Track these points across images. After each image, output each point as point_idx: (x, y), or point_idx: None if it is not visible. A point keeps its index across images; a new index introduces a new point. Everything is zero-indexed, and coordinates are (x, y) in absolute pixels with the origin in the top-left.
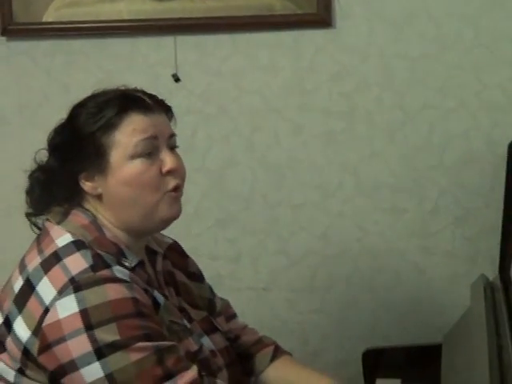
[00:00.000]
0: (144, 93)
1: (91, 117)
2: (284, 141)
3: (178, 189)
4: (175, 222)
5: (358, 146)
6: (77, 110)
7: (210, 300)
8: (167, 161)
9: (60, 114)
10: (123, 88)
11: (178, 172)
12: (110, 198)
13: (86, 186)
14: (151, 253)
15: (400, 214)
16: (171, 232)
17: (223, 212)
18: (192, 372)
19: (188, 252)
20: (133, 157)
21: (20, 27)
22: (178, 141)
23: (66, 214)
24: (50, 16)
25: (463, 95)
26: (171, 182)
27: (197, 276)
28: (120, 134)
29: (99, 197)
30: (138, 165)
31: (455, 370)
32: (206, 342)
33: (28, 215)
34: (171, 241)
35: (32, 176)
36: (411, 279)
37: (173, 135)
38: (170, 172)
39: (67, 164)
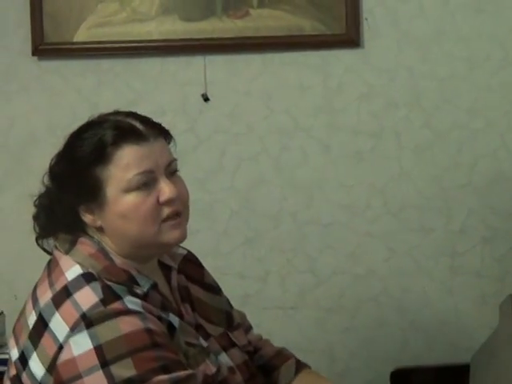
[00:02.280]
0: (139, 118)
1: (85, 150)
2: (312, 160)
3: (177, 215)
4: (204, 240)
5: (386, 166)
6: (72, 141)
7: (227, 312)
8: (165, 191)
9: None
10: (118, 113)
11: (177, 200)
12: (109, 231)
13: (87, 218)
14: (165, 268)
15: (428, 233)
16: (200, 250)
17: (252, 231)
18: None
19: (216, 271)
20: (128, 190)
21: (51, 47)
22: (207, 160)
23: (73, 243)
24: (80, 36)
25: (491, 115)
26: (167, 210)
27: (213, 287)
28: (114, 168)
29: (99, 229)
30: (133, 198)
31: None
32: (225, 359)
33: (38, 240)
34: (185, 252)
35: (38, 200)
36: (439, 299)
37: (171, 162)
38: (167, 202)
39: (66, 195)
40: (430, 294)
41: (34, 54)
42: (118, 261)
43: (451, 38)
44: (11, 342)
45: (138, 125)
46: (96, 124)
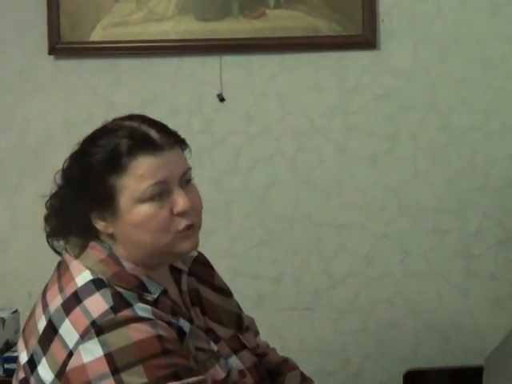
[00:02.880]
0: (155, 126)
1: (100, 158)
2: (328, 161)
3: (190, 228)
4: (219, 240)
5: (401, 168)
6: (87, 147)
7: (237, 315)
8: (179, 202)
9: None
10: (134, 119)
11: (190, 212)
12: (121, 238)
13: (99, 224)
14: (175, 271)
15: (443, 236)
16: (215, 251)
17: (266, 232)
18: None
19: (231, 271)
20: (141, 201)
21: (67, 46)
22: (222, 160)
23: (84, 247)
24: (96, 35)
25: (507, 118)
26: (182, 223)
27: (223, 290)
28: (128, 178)
29: (111, 236)
30: (146, 209)
31: None
32: (235, 362)
33: (48, 238)
34: (196, 253)
35: (49, 202)
36: (454, 301)
37: (186, 171)
38: (181, 214)
39: (79, 200)
40: (444, 297)
41: (50, 53)
42: (129, 267)
43: (468, 39)
44: (20, 345)
45: (153, 133)
46: (111, 131)
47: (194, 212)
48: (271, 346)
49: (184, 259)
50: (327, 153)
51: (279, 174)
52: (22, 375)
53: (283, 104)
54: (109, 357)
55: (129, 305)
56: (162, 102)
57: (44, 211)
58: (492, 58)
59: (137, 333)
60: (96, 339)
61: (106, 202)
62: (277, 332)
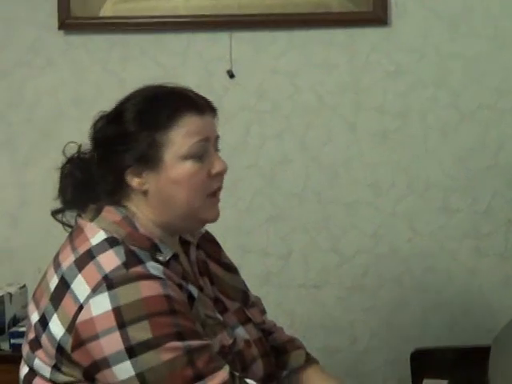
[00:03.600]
0: (194, 93)
1: (144, 113)
2: (337, 139)
3: (218, 192)
4: (227, 217)
5: (411, 145)
6: (127, 105)
7: (243, 292)
8: (216, 164)
9: None
10: (172, 85)
11: (222, 176)
12: (155, 195)
13: (134, 181)
14: (184, 243)
15: (452, 214)
16: (223, 228)
17: (275, 209)
18: (223, 373)
19: (239, 248)
20: (185, 157)
21: (77, 21)
22: (231, 137)
23: (98, 211)
24: (107, 11)
25: None
26: (215, 184)
27: (230, 267)
28: (175, 133)
29: (144, 193)
30: (189, 166)
31: (503, 372)
32: (241, 332)
33: (55, 213)
34: (203, 231)
35: (65, 170)
36: (462, 280)
37: (218, 137)
38: (217, 174)
39: (114, 158)
40: (452, 275)
41: (60, 28)
42: (142, 229)
43: (479, 16)
44: (31, 308)
45: (195, 97)
46: (153, 90)
47: (222, 178)
48: (279, 324)
49: (193, 234)
50: (337, 130)
51: (288, 151)
52: (32, 336)
53: (293, 81)
54: (117, 311)
55: (141, 262)
56: (171, 77)
57: (54, 187)
58: (504, 34)
59: (146, 289)
60: (106, 293)
61: (149, 156)
62: (285, 309)
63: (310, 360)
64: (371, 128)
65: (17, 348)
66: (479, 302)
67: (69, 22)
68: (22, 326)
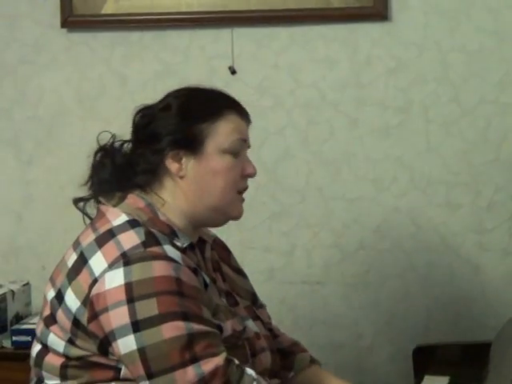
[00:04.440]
0: (235, 99)
1: (194, 103)
2: (339, 134)
3: (244, 192)
4: None
5: (413, 141)
6: (176, 95)
7: (252, 294)
8: (249, 166)
9: (118, 105)
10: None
11: (251, 178)
12: (192, 182)
13: (173, 166)
14: (200, 241)
15: (455, 209)
16: (226, 224)
17: (278, 205)
18: (218, 359)
19: (242, 244)
20: (225, 151)
21: (80, 19)
22: None
23: (122, 198)
24: (109, 8)
25: None
26: (245, 184)
27: (240, 271)
28: (222, 126)
29: (180, 178)
30: (229, 160)
31: (503, 368)
32: (251, 324)
33: (77, 201)
34: (214, 236)
35: (98, 160)
36: (465, 276)
37: (249, 146)
38: (248, 175)
39: (158, 140)
40: (455, 271)
41: (63, 26)
42: (164, 217)
43: (480, 10)
44: (47, 287)
45: (240, 103)
46: (204, 87)
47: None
48: (282, 320)
49: (208, 235)
50: (339, 125)
51: (290, 146)
52: (47, 312)
53: (295, 76)
54: (128, 286)
55: (159, 243)
56: (174, 74)
57: (58, 184)
58: (505, 28)
59: (159, 269)
60: (122, 268)
61: (192, 143)
62: (288, 305)
63: (314, 362)
64: (373, 123)
65: (19, 345)
66: (482, 298)
67: (71, 20)
68: (24, 324)
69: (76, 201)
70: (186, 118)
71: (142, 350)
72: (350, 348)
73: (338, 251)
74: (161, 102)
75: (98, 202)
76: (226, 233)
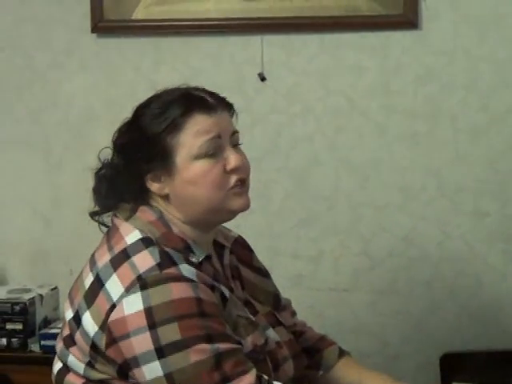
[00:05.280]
0: (206, 92)
1: (156, 118)
2: (368, 142)
3: (242, 183)
4: (258, 220)
5: (441, 149)
6: (141, 111)
7: (275, 295)
8: (231, 159)
9: None
10: (185, 87)
11: (242, 168)
12: (176, 198)
13: (153, 186)
14: (219, 247)
15: (483, 217)
16: (254, 230)
17: (306, 212)
18: (250, 376)
19: (270, 251)
20: (197, 157)
21: (110, 24)
22: (263, 139)
23: (133, 211)
24: (139, 14)
25: None
26: (234, 178)
27: (262, 271)
28: (184, 135)
29: (166, 196)
30: (202, 165)
31: None
32: (272, 333)
33: (93, 214)
34: (236, 235)
35: (98, 174)
36: (493, 284)
37: (235, 132)
38: (233, 170)
39: (133, 165)
40: (483, 279)
41: (93, 31)
42: (177, 230)
43: (509, 19)
44: (66, 305)
45: (205, 96)
46: (164, 95)
47: (245, 170)
48: (309, 325)
49: (226, 238)
50: (367, 133)
51: (319, 153)
52: (66, 332)
53: (323, 84)
54: (148, 311)
55: (175, 264)
56: (203, 80)
57: (86, 188)
58: None
59: (177, 291)
60: (139, 293)
61: (162, 161)
62: (315, 312)
63: (342, 354)
64: (401, 131)
65: (47, 350)
66: (509, 306)
67: (102, 25)
68: (52, 328)
69: (91, 214)
70: (150, 137)
71: (169, 376)
72: (377, 356)
73: (366, 259)
74: (130, 118)
75: (113, 214)
76: (253, 239)
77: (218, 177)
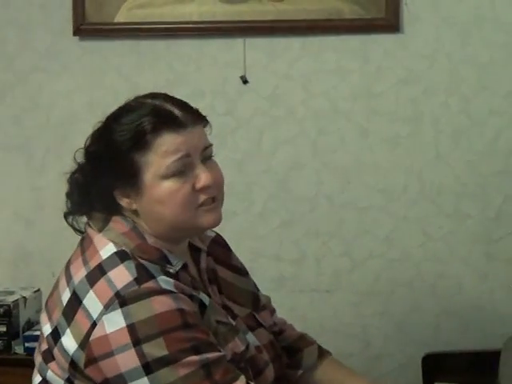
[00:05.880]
0: (179, 104)
1: (124, 136)
2: (350, 144)
3: (212, 201)
4: (240, 222)
5: (423, 151)
6: (111, 125)
7: (254, 294)
8: (201, 177)
9: None
10: (159, 98)
11: (213, 186)
12: (145, 214)
13: (122, 201)
14: (194, 250)
15: (464, 219)
16: (236, 232)
17: (288, 214)
18: (240, 383)
19: (252, 253)
20: (165, 177)
21: (92, 27)
22: (245, 142)
23: (106, 221)
24: (121, 17)
25: None
26: (203, 196)
27: (240, 269)
28: (152, 154)
29: (135, 211)
30: (170, 184)
31: None
32: (251, 338)
33: (67, 215)
34: (214, 234)
35: (72, 178)
36: (474, 285)
37: (208, 147)
38: (203, 189)
39: (103, 178)
40: (464, 280)
41: (75, 34)
42: (150, 240)
43: (491, 23)
44: (43, 318)
45: (176, 111)
46: (134, 109)
47: (216, 187)
48: (288, 323)
49: (203, 239)
50: (349, 135)
51: (301, 156)
52: (44, 347)
53: (306, 86)
54: (131, 328)
55: (152, 277)
56: (185, 83)
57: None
58: None
59: (159, 305)
60: (119, 310)
61: (130, 178)
62: (297, 314)
63: (323, 354)
64: (383, 133)
65: (31, 351)
66: (490, 307)
67: (84, 28)
68: (36, 330)
69: (65, 215)
70: (118, 153)
71: None
72: (359, 356)
73: (348, 260)
74: (98, 128)
75: (86, 223)
76: (236, 241)
77: (186, 196)
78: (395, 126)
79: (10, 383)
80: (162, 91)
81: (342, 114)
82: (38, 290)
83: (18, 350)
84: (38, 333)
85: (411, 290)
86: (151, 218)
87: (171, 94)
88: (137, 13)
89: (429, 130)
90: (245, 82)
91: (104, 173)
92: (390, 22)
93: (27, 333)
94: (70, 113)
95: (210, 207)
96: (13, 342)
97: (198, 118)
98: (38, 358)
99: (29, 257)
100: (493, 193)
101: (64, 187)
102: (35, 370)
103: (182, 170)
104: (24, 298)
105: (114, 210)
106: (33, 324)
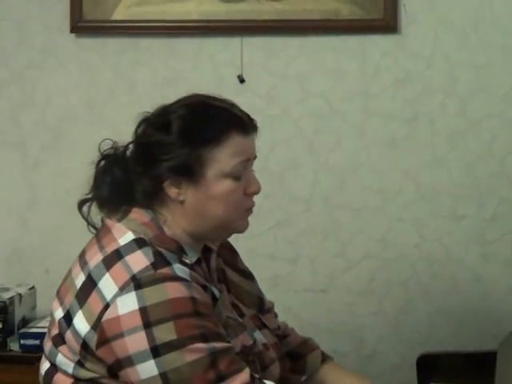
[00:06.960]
0: (241, 111)
1: (195, 127)
2: (346, 144)
3: (252, 208)
4: None
5: (419, 152)
6: (175, 117)
7: (259, 298)
8: (254, 183)
9: (126, 110)
10: (224, 103)
11: (257, 194)
12: (191, 208)
13: (172, 191)
14: (206, 250)
15: (459, 220)
16: None
17: (284, 213)
18: (244, 375)
19: (248, 252)
20: (227, 176)
21: (89, 25)
22: None
23: (126, 212)
24: (119, 14)
25: None
26: (250, 203)
27: (246, 273)
28: (221, 152)
29: (180, 203)
30: (229, 184)
31: (509, 378)
32: (259, 336)
33: (82, 203)
34: None
35: (104, 168)
36: (468, 286)
37: (255, 157)
38: (253, 194)
39: (156, 165)
40: (459, 281)
41: (72, 31)
42: (170, 232)
43: (488, 25)
44: (54, 304)
45: (244, 117)
46: (206, 105)
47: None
48: (291, 327)
49: (213, 241)
50: (345, 136)
51: (297, 156)
52: (55, 331)
53: (303, 86)
54: (143, 311)
55: (168, 264)
56: (182, 81)
57: (63, 188)
58: None
59: (172, 291)
60: (134, 292)
61: (192, 170)
62: (292, 313)
63: (325, 359)
64: (380, 134)
65: (27, 349)
66: (485, 308)
67: (81, 25)
68: (32, 327)
69: (80, 204)
70: (186, 143)
71: (164, 375)
72: (353, 356)
73: (343, 260)
74: (161, 116)
75: (105, 215)
76: (232, 240)
77: (238, 198)
78: (392, 126)
79: (5, 380)
80: (159, 89)
81: (339, 114)
82: (33, 287)
83: (14, 346)
84: (33, 330)
85: (406, 290)
86: (198, 212)
87: (169, 94)
88: (134, 10)
89: (425, 131)
90: (241, 81)
91: (159, 161)
92: (387, 23)
93: (23, 330)
94: (66, 110)
95: (248, 213)
96: (8, 339)
97: (255, 128)
98: (47, 345)
99: (23, 254)
100: (488, 195)
101: (59, 184)
102: (43, 358)
103: (240, 174)
104: (19, 295)
105: (156, 198)
106: (28, 321)
